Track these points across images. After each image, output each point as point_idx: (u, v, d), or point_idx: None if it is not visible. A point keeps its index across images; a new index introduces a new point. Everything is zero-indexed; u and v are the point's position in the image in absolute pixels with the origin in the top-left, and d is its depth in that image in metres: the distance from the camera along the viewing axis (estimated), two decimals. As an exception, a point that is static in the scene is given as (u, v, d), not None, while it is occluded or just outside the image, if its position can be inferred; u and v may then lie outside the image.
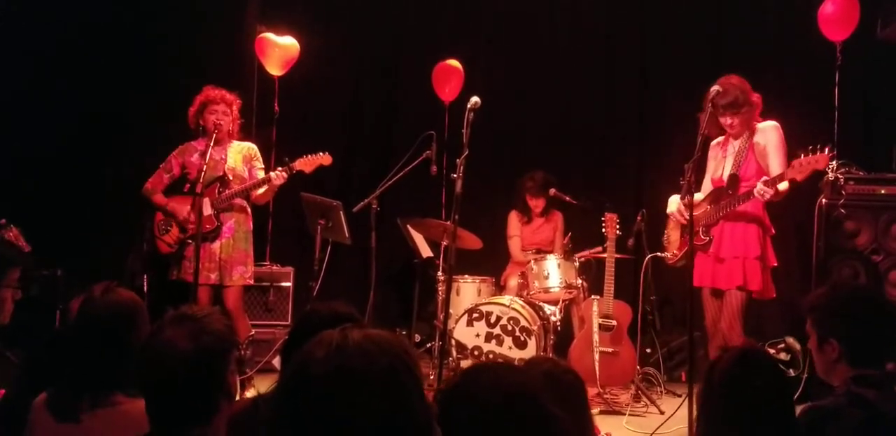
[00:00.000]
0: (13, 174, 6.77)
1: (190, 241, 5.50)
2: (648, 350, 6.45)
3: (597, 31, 7.76)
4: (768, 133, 4.90)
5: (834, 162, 5.77)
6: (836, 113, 6.21)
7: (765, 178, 4.74)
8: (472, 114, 4.65)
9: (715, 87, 4.67)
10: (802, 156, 4.52)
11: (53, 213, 6.72)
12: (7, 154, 6.71)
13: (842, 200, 5.78)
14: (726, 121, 4.93)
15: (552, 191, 6.83)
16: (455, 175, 4.60)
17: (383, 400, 1.50)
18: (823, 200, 5.86)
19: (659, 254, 5.42)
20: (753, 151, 4.91)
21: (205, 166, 5.30)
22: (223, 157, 5.70)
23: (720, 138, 5.12)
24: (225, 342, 2.13)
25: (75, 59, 7.04)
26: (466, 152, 4.62)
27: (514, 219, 7.10)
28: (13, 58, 6.78)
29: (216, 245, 5.59)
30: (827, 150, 4.46)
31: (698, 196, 5.12)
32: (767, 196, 4.64)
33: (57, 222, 6.66)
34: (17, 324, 5.97)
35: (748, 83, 4.88)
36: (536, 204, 6.97)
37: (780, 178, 4.63)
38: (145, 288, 6.26)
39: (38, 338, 5.58)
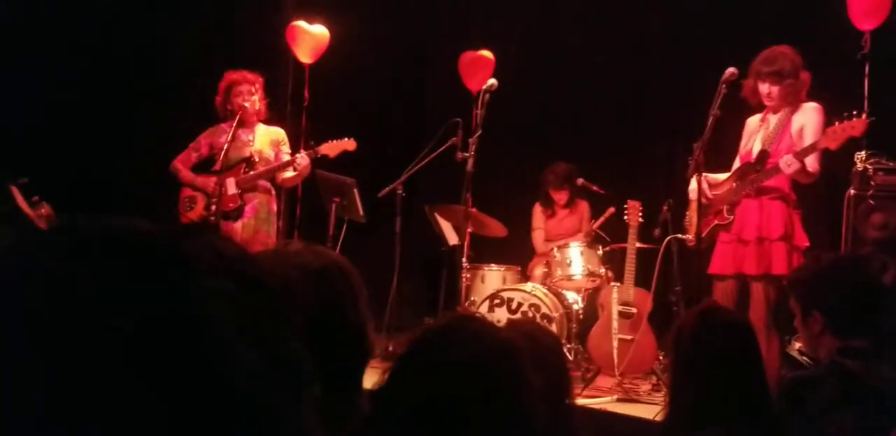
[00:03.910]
0: (45, 154, 6.92)
1: (213, 218, 5.60)
2: (672, 341, 6.37)
3: (625, 19, 7.71)
4: (810, 114, 4.71)
5: (863, 152, 5.66)
6: (866, 103, 6.09)
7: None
8: (487, 95, 4.69)
9: (730, 69, 4.58)
10: (837, 123, 4.36)
11: (83, 191, 6.85)
12: (40, 134, 6.85)
13: (870, 191, 5.66)
14: (764, 89, 4.70)
15: (580, 181, 6.80)
16: (466, 154, 4.63)
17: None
18: (852, 192, 5.73)
19: (679, 236, 5.32)
20: (790, 129, 4.72)
21: (226, 145, 5.38)
22: (251, 139, 5.79)
23: (758, 115, 4.96)
24: None
25: (111, 42, 7.16)
26: (479, 132, 4.65)
27: (538, 212, 7.07)
28: (41, 42, 6.91)
29: (238, 224, 5.68)
30: (864, 115, 4.30)
31: (723, 176, 5.03)
32: (794, 167, 4.44)
33: (86, 201, 6.78)
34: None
35: (801, 58, 4.71)
36: (560, 197, 6.92)
37: (813, 147, 4.44)
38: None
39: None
